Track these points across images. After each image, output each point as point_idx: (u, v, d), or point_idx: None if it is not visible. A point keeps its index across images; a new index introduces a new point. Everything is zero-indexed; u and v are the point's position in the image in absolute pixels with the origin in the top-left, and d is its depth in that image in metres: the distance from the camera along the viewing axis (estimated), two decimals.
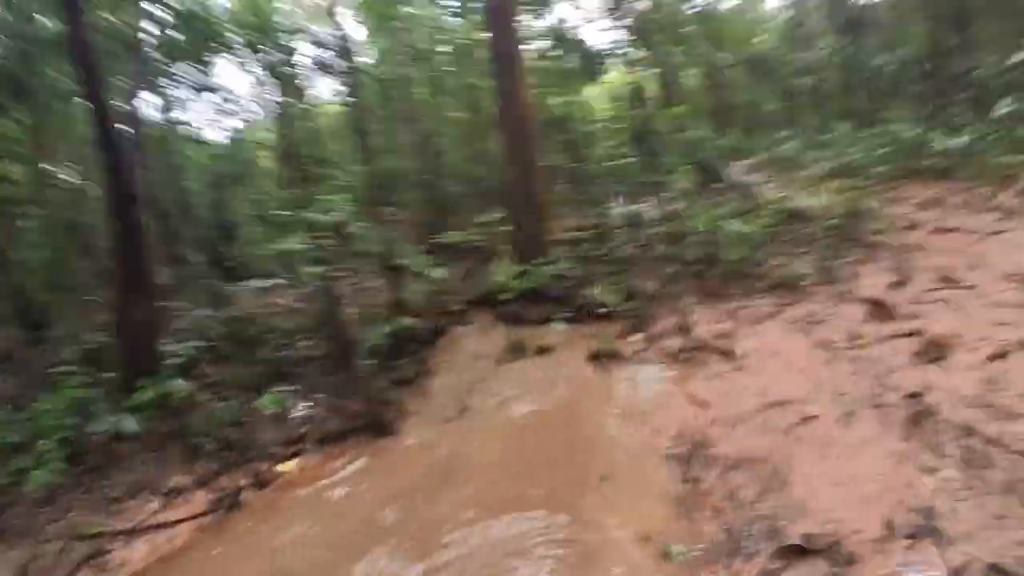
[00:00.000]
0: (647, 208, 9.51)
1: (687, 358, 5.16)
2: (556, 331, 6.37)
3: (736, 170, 10.00)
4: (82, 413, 5.27)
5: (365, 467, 4.83)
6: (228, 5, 13.64)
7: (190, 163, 14.92)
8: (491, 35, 8.55)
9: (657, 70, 14.89)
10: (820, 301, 5.35)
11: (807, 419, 3.65)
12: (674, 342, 5.49)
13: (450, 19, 14.33)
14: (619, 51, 14.96)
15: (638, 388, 4.96)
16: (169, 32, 11.32)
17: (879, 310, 4.82)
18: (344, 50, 14.53)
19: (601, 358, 5.60)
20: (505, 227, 8.79)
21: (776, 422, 3.74)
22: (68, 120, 10.03)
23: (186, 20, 11.52)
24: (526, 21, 16.12)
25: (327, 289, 6.43)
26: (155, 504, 4.58)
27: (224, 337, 7.81)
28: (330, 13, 14.53)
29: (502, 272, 7.21)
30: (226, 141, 14.95)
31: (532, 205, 8.06)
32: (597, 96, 17.03)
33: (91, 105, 5.84)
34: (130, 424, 5.19)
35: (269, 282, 10.50)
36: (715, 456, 3.65)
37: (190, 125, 14.65)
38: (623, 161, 9.25)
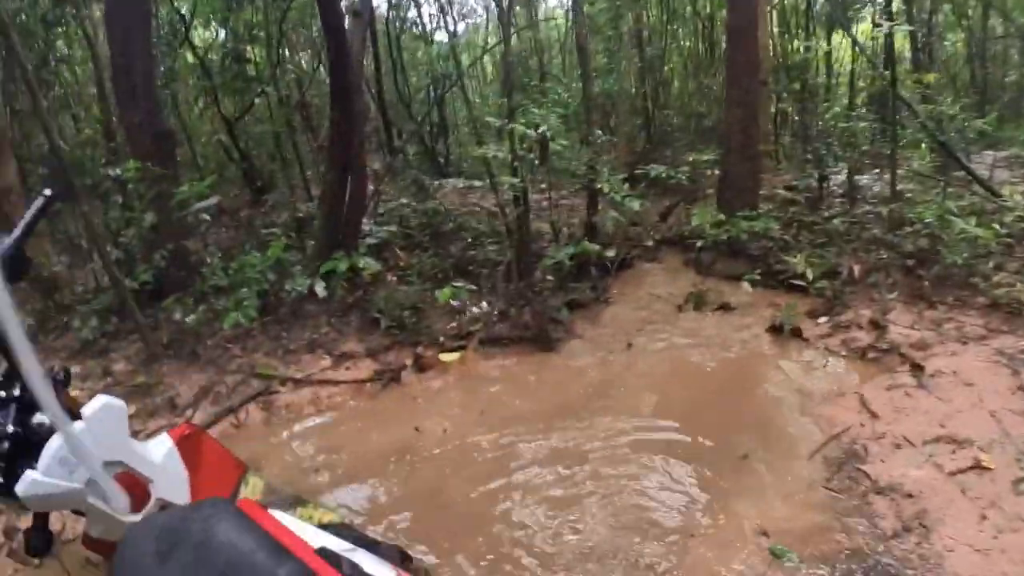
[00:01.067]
0: (874, 181, 8.26)
1: (873, 358, 4.53)
2: (744, 291, 5.83)
3: (984, 161, 8.05)
4: (281, 272, 5.82)
5: (520, 373, 4.91)
6: None
7: (415, 60, 15.45)
8: None
9: (914, 28, 12.04)
10: None
11: (979, 468, 3.11)
12: (863, 337, 4.82)
13: None
14: None
15: (812, 374, 4.49)
16: None
17: None
18: None
19: (783, 331, 5.08)
20: (716, 170, 8.10)
21: (944, 460, 3.24)
22: (307, 10, 10.73)
23: None
24: None
25: (519, 200, 6.31)
26: (327, 362, 5.03)
27: (420, 227, 8.09)
28: None
29: (703, 216, 6.62)
30: (450, 42, 15.15)
31: (747, 153, 7.26)
32: (845, 47, 14.50)
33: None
34: (320, 288, 5.64)
35: (473, 183, 10.64)
36: (866, 473, 3.26)
37: (420, 24, 14.90)
38: (858, 124, 7.84)
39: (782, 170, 10.64)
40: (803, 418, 3.91)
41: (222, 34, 10.98)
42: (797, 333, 5.05)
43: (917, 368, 4.18)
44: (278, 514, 0.94)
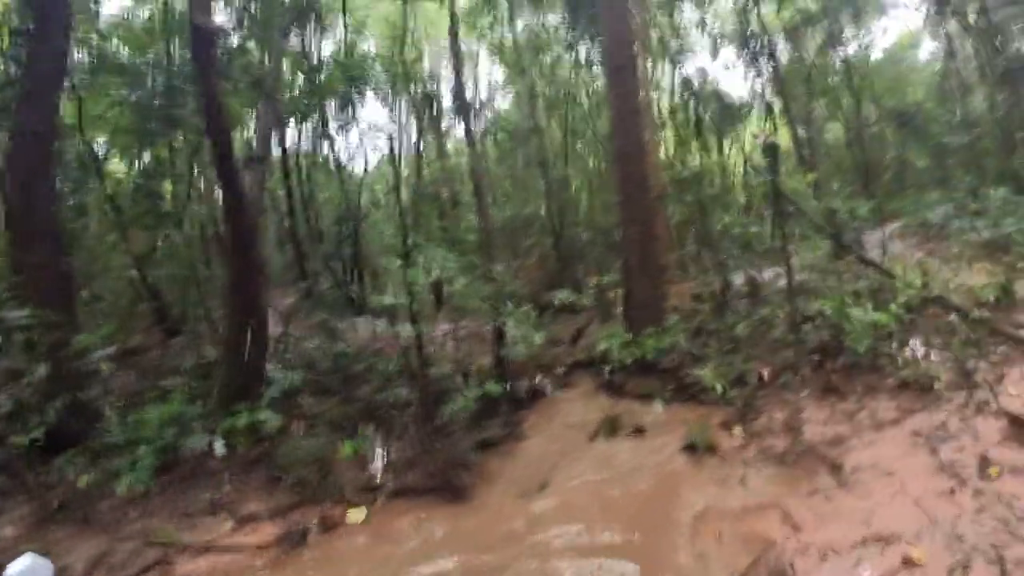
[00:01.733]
0: (776, 277, 8.73)
1: (791, 462, 4.62)
2: (655, 411, 6.02)
3: (875, 237, 8.96)
4: (182, 425, 5.63)
5: (432, 529, 4.82)
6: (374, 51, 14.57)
7: (331, 193, 15.81)
8: (611, 91, 8.28)
9: (797, 124, 14.12)
10: (952, 410, 4.61)
11: (910, 565, 3.12)
12: (779, 443, 4.95)
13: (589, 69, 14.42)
14: (757, 103, 14.43)
15: (730, 492, 4.50)
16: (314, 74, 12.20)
17: (1020, 430, 4.09)
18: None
19: (697, 449, 5.19)
20: (620, 288, 8.46)
21: (873, 562, 3.23)
22: None
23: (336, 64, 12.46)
24: (659, 70, 16.04)
25: (417, 344, 6.44)
26: (228, 525, 4.85)
27: (327, 371, 8.05)
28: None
29: (610, 337, 6.94)
30: (361, 175, 15.83)
31: (648, 270, 7.67)
32: (733, 154, 16.51)
33: (215, 149, 6.22)
34: (219, 446, 5.50)
35: (379, 322, 10.76)
36: None
37: (334, 158, 15.44)
38: (752, 228, 8.62)
39: (689, 276, 11.22)
40: (722, 542, 3.86)
41: (136, 165, 11.02)
42: (712, 449, 5.10)
43: (836, 468, 4.26)
44: None
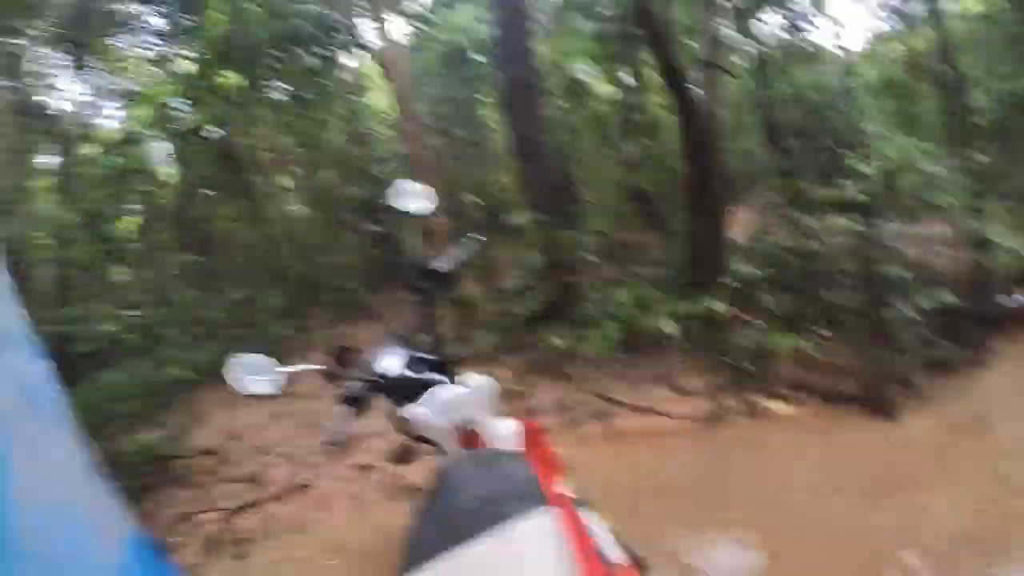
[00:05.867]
0: None
1: None
2: None
3: None
4: (644, 307, 6.57)
5: (846, 437, 4.74)
6: None
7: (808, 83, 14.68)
8: None
9: None
10: None
11: None
12: None
13: None
14: None
15: None
16: None
17: None
18: None
19: None
20: None
21: None
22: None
23: None
24: None
25: (869, 243, 6.03)
26: (666, 395, 5.56)
27: (791, 267, 7.97)
28: None
29: None
30: (846, 55, 14.14)
31: None
32: None
33: (660, 61, 6.68)
34: (670, 328, 6.20)
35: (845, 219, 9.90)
36: None
37: (809, 45, 14.19)
38: None
39: None
40: None
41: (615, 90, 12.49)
42: None
43: None
44: (582, 512, 1.22)
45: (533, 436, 1.53)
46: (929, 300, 5.58)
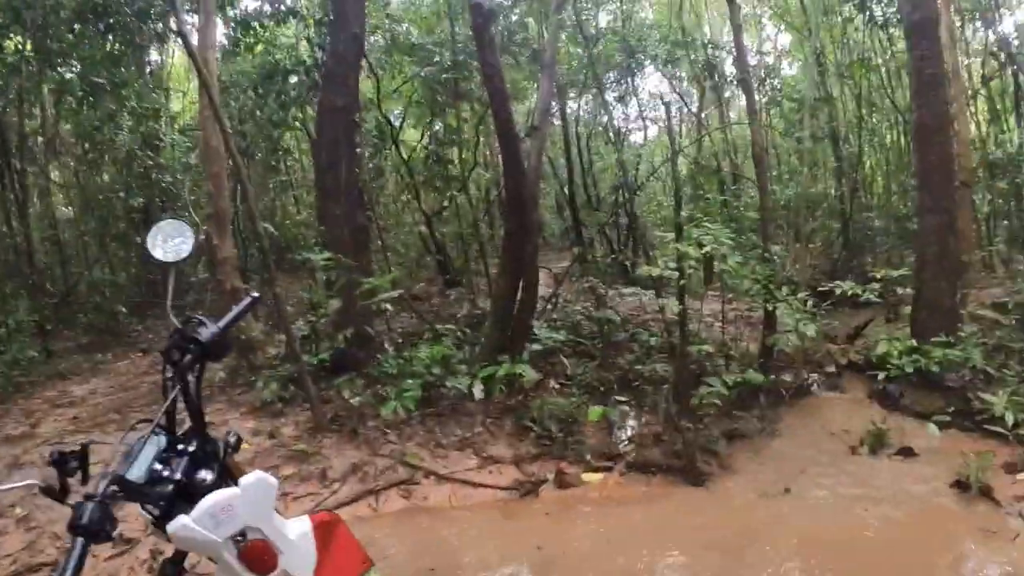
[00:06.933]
0: None
1: None
2: (930, 433, 5.05)
3: None
4: (447, 367, 6.22)
5: (662, 507, 4.72)
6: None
7: (605, 162, 15.92)
8: (910, 54, 7.02)
9: None
10: None
11: None
12: None
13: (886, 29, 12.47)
14: None
15: (995, 547, 3.69)
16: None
17: None
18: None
19: (968, 488, 4.35)
20: (910, 286, 7.40)
21: None
22: None
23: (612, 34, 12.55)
24: (969, 30, 13.30)
25: (680, 320, 6.15)
26: (473, 462, 5.22)
27: (590, 335, 8.03)
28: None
29: (892, 341, 6.02)
30: (640, 145, 15.73)
31: (945, 268, 6.57)
32: None
33: (497, 119, 6.60)
34: (477, 390, 5.89)
35: (647, 294, 10.45)
36: None
37: (612, 127, 15.37)
38: None
39: (995, 280, 9.62)
40: None
41: (427, 134, 12.43)
42: (987, 492, 4.29)
43: None
44: None
45: (328, 531, 1.36)
46: (734, 377, 5.81)
